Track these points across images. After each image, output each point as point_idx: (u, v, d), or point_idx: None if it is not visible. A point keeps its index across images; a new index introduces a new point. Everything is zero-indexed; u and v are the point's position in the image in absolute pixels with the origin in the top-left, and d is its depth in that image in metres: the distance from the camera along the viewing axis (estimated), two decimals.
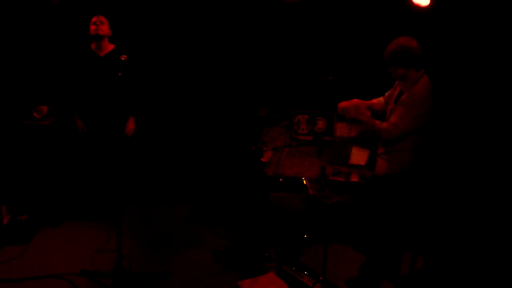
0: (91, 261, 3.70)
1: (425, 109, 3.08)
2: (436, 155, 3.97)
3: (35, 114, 4.38)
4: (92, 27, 4.08)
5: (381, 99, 3.50)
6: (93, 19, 4.09)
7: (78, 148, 4.37)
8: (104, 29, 4.12)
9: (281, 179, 4.50)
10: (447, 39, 4.38)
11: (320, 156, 4.73)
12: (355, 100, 3.31)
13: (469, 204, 3.97)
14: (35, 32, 4.54)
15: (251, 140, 4.34)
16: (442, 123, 4.09)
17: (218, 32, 4.72)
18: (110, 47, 4.22)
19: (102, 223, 4.27)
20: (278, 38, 4.72)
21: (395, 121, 3.11)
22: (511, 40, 4.04)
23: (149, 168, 4.90)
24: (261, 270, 3.58)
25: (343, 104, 3.32)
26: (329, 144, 4.67)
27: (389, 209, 3.28)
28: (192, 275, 3.59)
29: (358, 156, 4.60)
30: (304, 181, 4.48)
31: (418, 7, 3.97)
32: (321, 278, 3.31)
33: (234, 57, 4.77)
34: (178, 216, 4.58)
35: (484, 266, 3.51)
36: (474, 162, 4.13)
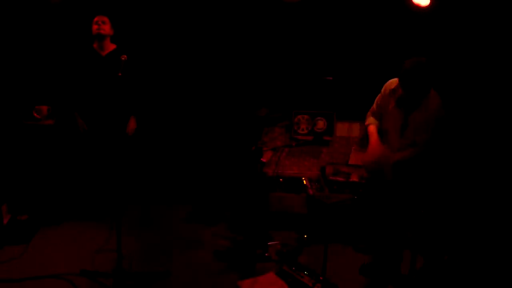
0: (91, 261, 3.70)
1: (443, 118, 3.09)
2: (435, 156, 3.97)
3: (35, 114, 4.38)
4: (94, 27, 4.09)
5: (372, 120, 3.41)
6: (95, 19, 4.10)
7: (78, 148, 4.37)
8: (106, 28, 4.12)
9: (281, 179, 4.50)
10: (447, 39, 4.38)
11: (320, 156, 4.74)
12: (375, 145, 3.23)
13: (469, 204, 3.97)
14: (36, 32, 4.54)
15: (251, 140, 4.33)
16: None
17: (219, 32, 4.72)
18: (112, 46, 4.22)
19: (102, 223, 4.27)
20: (278, 38, 4.72)
21: (423, 140, 3.09)
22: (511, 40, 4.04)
23: (150, 168, 4.90)
24: (261, 270, 3.58)
25: (369, 159, 3.21)
26: (329, 144, 4.68)
27: (389, 210, 3.28)
28: (192, 275, 3.59)
29: (358, 156, 4.61)
30: (304, 181, 4.49)
31: (418, 7, 3.97)
32: (321, 278, 3.31)
33: (235, 57, 4.77)
34: (178, 216, 4.58)
35: (484, 266, 3.51)
36: (474, 163, 4.13)
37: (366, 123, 3.42)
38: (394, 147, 3.23)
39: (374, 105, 3.42)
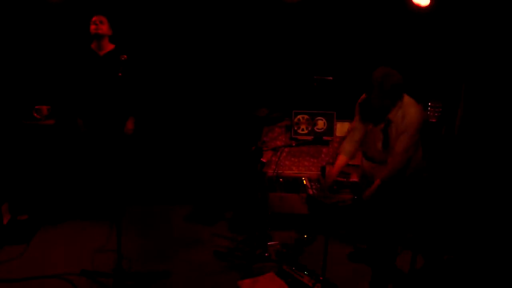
0: (91, 261, 3.70)
1: (422, 123, 3.11)
2: (435, 156, 3.97)
3: (35, 114, 4.38)
4: (92, 27, 4.10)
5: (344, 147, 3.49)
6: (93, 19, 4.11)
7: (78, 148, 4.37)
8: (104, 28, 4.13)
9: (281, 179, 4.50)
10: (447, 39, 4.38)
11: (320, 156, 4.74)
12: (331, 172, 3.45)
13: (469, 204, 3.97)
14: (35, 32, 4.54)
15: (251, 140, 4.33)
16: (440, 124, 4.09)
17: (219, 32, 4.72)
18: (110, 46, 4.22)
19: (102, 223, 4.27)
20: (278, 38, 4.72)
21: (402, 149, 3.11)
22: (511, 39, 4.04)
23: (149, 168, 4.90)
24: (261, 270, 3.58)
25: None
26: (329, 144, 4.68)
27: (389, 211, 3.28)
28: (192, 275, 3.59)
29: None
30: (304, 181, 4.49)
31: (418, 7, 3.97)
32: (321, 278, 3.31)
33: (235, 57, 4.77)
34: (178, 216, 4.58)
35: (484, 266, 3.51)
36: (473, 163, 4.13)
37: (339, 150, 3.53)
38: (379, 160, 3.28)
39: (351, 126, 3.50)
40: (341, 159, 3.47)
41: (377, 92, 3.02)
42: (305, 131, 4.65)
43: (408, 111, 3.08)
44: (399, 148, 3.11)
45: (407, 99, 3.12)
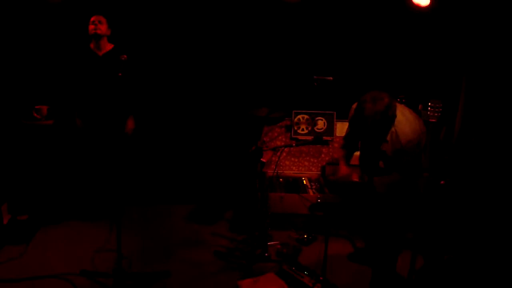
0: (91, 261, 3.70)
1: (421, 129, 3.01)
2: (435, 156, 3.97)
3: (35, 114, 4.38)
4: (91, 27, 4.10)
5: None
6: (92, 19, 4.11)
7: (77, 147, 4.37)
8: (103, 28, 4.13)
9: (281, 179, 4.50)
10: (447, 39, 4.38)
11: (320, 156, 4.74)
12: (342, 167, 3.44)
13: (468, 204, 3.97)
14: (35, 32, 4.54)
15: (251, 140, 4.33)
16: (440, 124, 4.10)
17: (219, 32, 4.72)
18: (109, 46, 4.23)
19: (102, 223, 4.27)
20: (278, 38, 4.72)
21: (403, 168, 3.04)
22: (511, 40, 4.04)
23: (149, 168, 4.90)
24: (261, 270, 3.58)
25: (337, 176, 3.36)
26: (329, 144, 4.69)
27: (390, 211, 3.28)
28: (192, 275, 3.59)
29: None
30: (304, 181, 4.49)
31: (418, 7, 3.97)
32: (321, 278, 3.31)
33: (235, 57, 4.77)
34: (178, 216, 4.58)
35: (484, 266, 3.51)
36: (474, 162, 4.14)
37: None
38: (377, 173, 3.23)
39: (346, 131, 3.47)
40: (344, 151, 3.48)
41: (369, 124, 2.88)
42: (305, 131, 4.65)
43: (401, 130, 2.96)
44: (399, 167, 3.06)
45: (399, 116, 2.97)
